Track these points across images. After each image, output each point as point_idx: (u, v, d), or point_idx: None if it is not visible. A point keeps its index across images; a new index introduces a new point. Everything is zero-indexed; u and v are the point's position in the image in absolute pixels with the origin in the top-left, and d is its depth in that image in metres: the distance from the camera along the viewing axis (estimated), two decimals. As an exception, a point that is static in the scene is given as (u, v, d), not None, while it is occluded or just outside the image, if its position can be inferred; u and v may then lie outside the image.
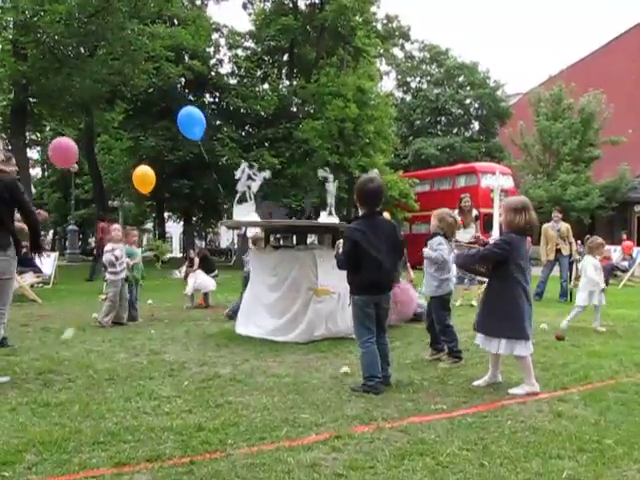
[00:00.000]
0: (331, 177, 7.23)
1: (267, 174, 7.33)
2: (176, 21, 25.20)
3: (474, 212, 10.22)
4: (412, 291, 8.13)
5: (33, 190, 34.34)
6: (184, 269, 19.05)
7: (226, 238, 58.16)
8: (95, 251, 16.48)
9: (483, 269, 4.69)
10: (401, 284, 7.69)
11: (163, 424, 3.56)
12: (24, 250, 13.98)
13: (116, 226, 8.48)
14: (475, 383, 4.61)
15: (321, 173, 7.25)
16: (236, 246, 28.72)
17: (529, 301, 4.43)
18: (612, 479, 2.84)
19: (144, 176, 10.42)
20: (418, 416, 3.76)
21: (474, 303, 9.58)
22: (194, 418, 3.69)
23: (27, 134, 26.09)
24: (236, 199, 7.14)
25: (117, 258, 7.97)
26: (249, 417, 3.72)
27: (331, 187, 7.13)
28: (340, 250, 4.60)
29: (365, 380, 4.40)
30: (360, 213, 4.67)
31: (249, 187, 7.00)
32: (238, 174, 7.05)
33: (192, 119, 9.33)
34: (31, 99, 21.02)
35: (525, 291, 4.39)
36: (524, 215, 4.40)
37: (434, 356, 5.58)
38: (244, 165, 7.10)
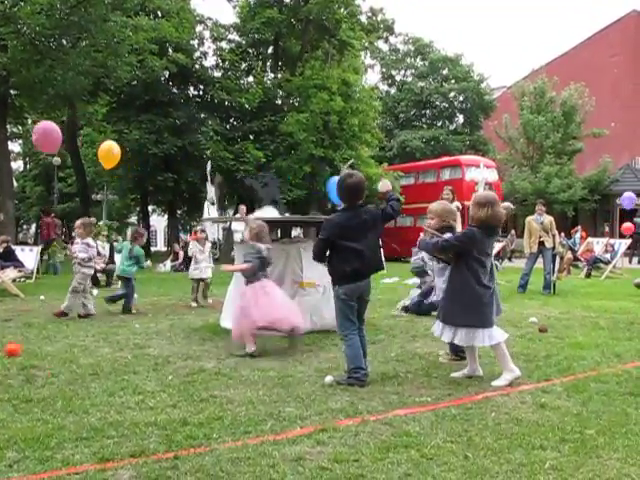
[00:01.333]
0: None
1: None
2: (160, 13, 24.94)
3: (455, 204, 10.27)
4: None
5: (15, 183, 33.97)
6: (168, 263, 19.05)
7: (211, 232, 57.76)
8: (41, 247, 16.06)
9: (443, 257, 4.88)
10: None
11: (147, 419, 3.55)
12: (6, 245, 13.81)
13: (78, 222, 8.55)
14: (453, 375, 4.67)
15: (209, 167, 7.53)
16: (221, 240, 28.63)
17: (487, 292, 4.49)
18: (593, 469, 2.87)
19: (109, 151, 10.11)
20: (403, 409, 3.78)
21: None
22: (178, 413, 3.68)
23: (8, 126, 25.71)
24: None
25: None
26: (234, 411, 3.71)
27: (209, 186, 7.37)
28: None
29: (350, 372, 4.41)
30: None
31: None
32: None
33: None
34: (12, 91, 20.72)
35: (482, 284, 4.47)
36: (487, 209, 4.49)
37: (451, 360, 5.18)
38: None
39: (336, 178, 9.82)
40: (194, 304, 9.38)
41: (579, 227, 25.13)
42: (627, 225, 20.86)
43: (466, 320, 4.45)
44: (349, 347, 4.49)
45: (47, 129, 9.19)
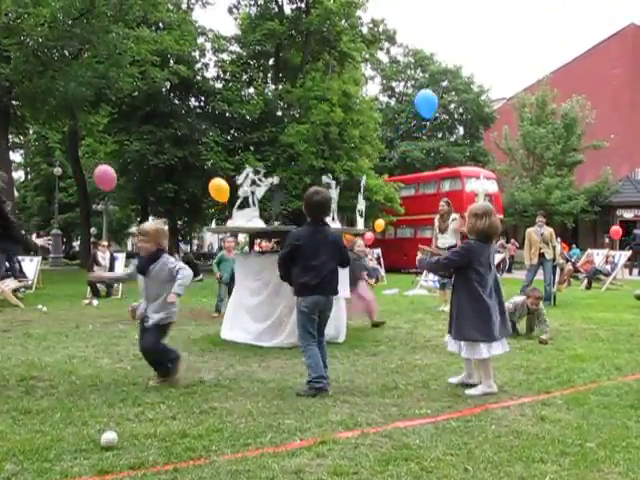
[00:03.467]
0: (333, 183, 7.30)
1: (275, 180, 7.44)
2: (161, 25, 25.07)
3: (452, 216, 10.31)
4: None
5: (16, 193, 34.01)
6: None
7: (209, 242, 57.89)
8: None
9: (445, 273, 5.04)
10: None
11: (147, 431, 3.54)
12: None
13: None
14: (450, 380, 4.83)
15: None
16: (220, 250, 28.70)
17: (490, 304, 4.51)
18: (594, 483, 2.86)
19: (219, 187, 10.70)
20: (402, 421, 3.77)
21: (446, 309, 9.62)
22: (178, 424, 3.67)
23: (10, 137, 25.82)
24: (237, 204, 7.19)
25: None
26: (233, 423, 3.71)
27: (334, 194, 7.15)
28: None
29: (312, 382, 4.43)
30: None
31: (252, 192, 7.15)
32: (240, 179, 7.16)
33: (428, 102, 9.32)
34: (14, 102, 20.84)
35: (484, 296, 4.49)
36: (485, 220, 4.54)
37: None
38: (248, 170, 7.18)
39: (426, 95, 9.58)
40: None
41: (559, 239, 25.31)
42: (615, 228, 21.74)
43: (470, 334, 4.48)
44: (309, 357, 4.53)
45: (104, 171, 10.71)
